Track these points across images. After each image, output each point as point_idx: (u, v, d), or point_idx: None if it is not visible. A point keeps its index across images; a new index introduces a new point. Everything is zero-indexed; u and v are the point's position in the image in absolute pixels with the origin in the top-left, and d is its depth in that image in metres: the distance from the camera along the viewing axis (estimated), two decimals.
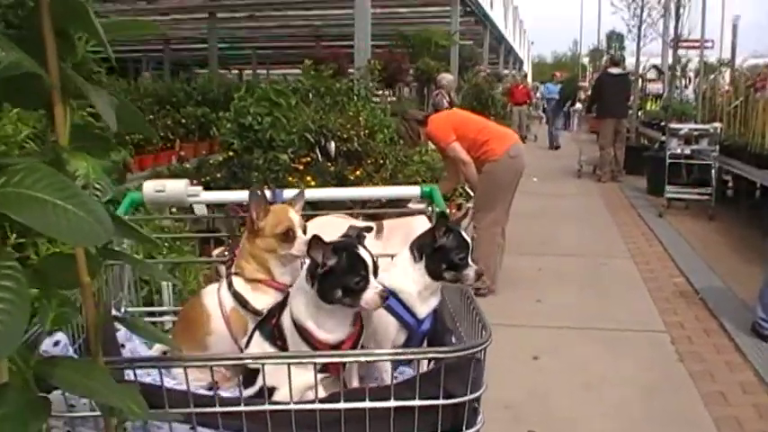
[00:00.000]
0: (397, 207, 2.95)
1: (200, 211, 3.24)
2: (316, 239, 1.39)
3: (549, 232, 7.62)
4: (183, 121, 8.68)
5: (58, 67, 0.80)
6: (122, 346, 1.65)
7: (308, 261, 1.46)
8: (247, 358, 1.24)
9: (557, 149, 16.88)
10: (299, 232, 1.64)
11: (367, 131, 6.94)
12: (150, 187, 1.97)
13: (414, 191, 2.05)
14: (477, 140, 5.17)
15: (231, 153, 5.85)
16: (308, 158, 6.15)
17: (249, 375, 1.41)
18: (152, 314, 1.98)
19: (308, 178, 5.64)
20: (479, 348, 1.19)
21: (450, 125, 5.27)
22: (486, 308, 1.27)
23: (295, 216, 1.66)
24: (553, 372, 4.00)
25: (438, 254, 1.55)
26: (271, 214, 1.68)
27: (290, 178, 5.56)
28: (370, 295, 1.38)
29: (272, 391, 1.36)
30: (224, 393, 1.46)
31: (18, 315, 0.69)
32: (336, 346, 1.41)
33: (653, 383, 3.80)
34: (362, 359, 1.32)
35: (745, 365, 4.02)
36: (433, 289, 1.58)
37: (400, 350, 1.47)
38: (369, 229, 1.58)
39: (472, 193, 9.17)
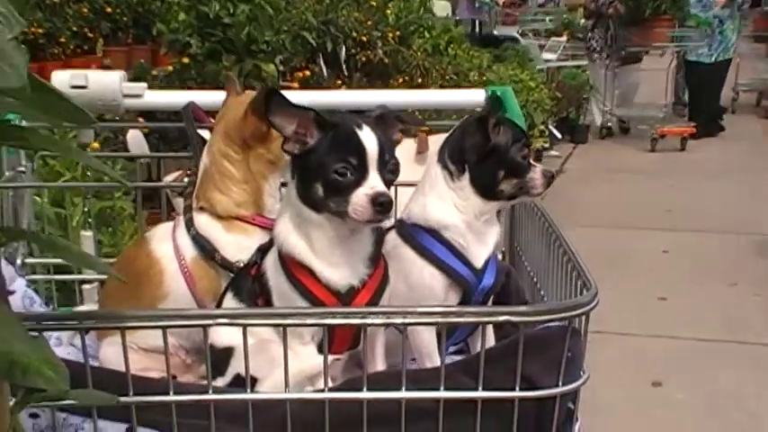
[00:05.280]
0: None
1: (139, 147, 3.23)
2: (274, 94, 1.37)
3: (679, 197, 7.58)
4: (110, 11, 8.54)
5: None
6: None
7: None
8: (220, 316, 1.24)
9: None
10: None
11: (398, 34, 6.91)
12: (63, 81, 1.91)
13: (477, 95, 2.03)
14: None
15: (186, 60, 5.82)
16: (307, 71, 6.14)
17: (218, 361, 1.41)
18: (65, 270, 1.98)
19: None
20: (579, 312, 1.17)
21: None
22: None
23: None
24: (682, 404, 3.99)
25: (491, 158, 1.54)
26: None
27: None
28: (360, 196, 1.34)
29: (252, 384, 1.35)
30: None
31: None
32: (347, 300, 1.39)
33: None
34: (393, 321, 1.25)
35: None
36: (489, 216, 1.56)
37: (452, 308, 1.45)
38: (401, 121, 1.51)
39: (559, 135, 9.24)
